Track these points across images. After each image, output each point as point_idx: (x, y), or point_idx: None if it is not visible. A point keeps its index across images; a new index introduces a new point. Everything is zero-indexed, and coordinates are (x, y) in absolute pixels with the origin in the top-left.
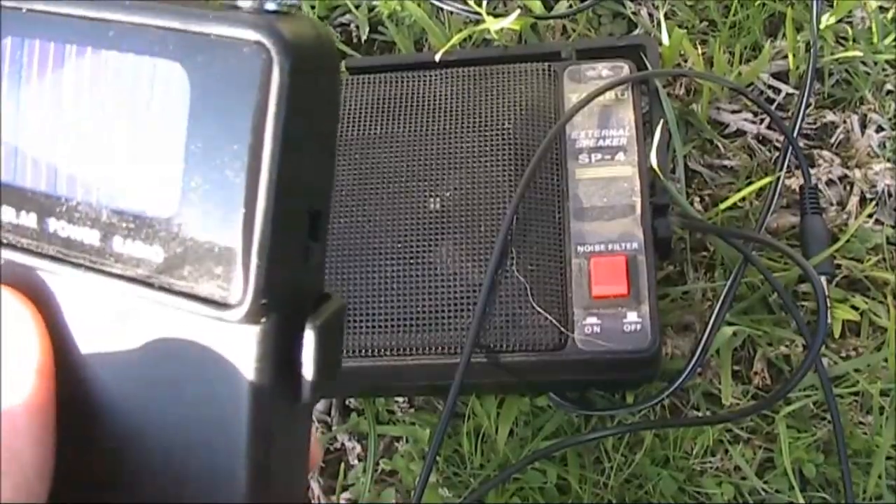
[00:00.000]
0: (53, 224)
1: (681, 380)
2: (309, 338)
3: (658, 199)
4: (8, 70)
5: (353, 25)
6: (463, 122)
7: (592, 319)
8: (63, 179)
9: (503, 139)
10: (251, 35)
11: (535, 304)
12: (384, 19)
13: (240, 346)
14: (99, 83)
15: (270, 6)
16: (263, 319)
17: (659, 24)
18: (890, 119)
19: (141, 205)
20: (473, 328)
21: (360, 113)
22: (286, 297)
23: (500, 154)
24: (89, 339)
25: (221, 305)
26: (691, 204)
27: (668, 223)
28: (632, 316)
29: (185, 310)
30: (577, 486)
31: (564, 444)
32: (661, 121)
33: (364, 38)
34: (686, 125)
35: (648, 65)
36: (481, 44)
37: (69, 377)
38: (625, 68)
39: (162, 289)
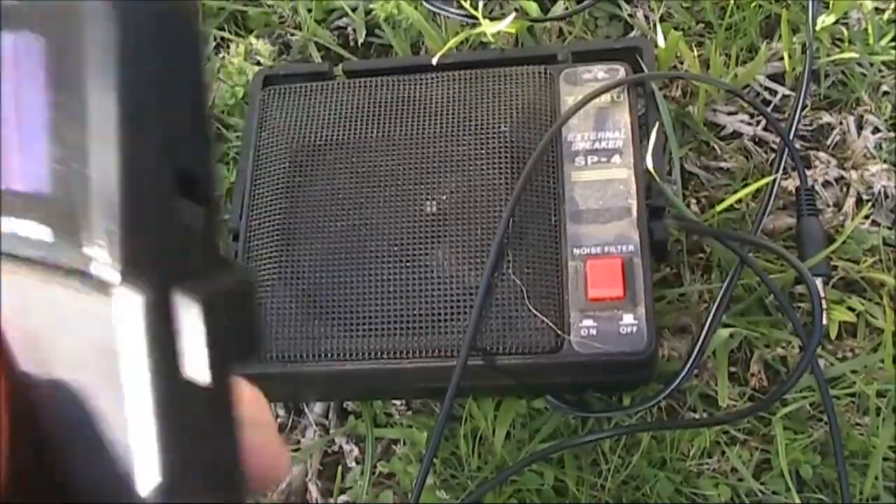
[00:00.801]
0: None
1: (677, 382)
2: (193, 310)
3: (654, 201)
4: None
5: (349, 28)
6: (459, 125)
7: (589, 322)
8: None
9: (499, 142)
10: None
11: (531, 307)
12: (381, 22)
13: (116, 319)
14: None
15: None
16: (130, 290)
17: (655, 26)
18: (886, 120)
19: (24, 184)
20: (470, 331)
21: (357, 116)
22: (153, 265)
23: (497, 157)
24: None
25: (99, 284)
26: (688, 206)
27: (664, 225)
28: (628, 318)
29: (74, 288)
30: (575, 488)
31: (561, 446)
32: (658, 123)
33: (361, 41)
34: (682, 127)
35: (644, 67)
36: (478, 47)
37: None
38: (621, 71)
39: (51, 269)
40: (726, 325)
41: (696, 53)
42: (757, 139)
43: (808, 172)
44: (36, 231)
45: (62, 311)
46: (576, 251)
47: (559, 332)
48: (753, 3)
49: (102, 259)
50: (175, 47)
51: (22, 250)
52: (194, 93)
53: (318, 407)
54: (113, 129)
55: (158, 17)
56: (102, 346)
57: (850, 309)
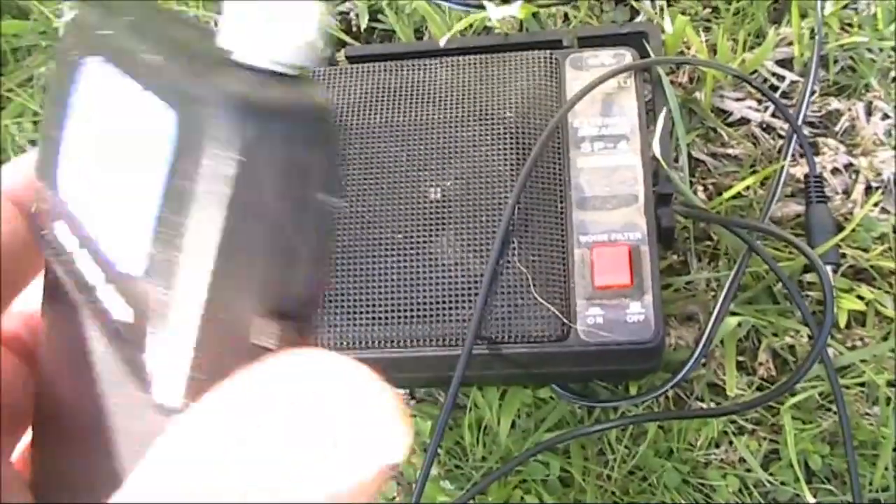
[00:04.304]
0: (77, 255)
1: (685, 371)
2: None
3: (661, 188)
4: (81, 88)
5: (352, 14)
6: (463, 111)
7: (595, 310)
8: (89, 212)
9: (504, 128)
10: (214, 97)
11: (536, 295)
12: (384, 7)
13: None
14: (128, 118)
15: (278, 68)
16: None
17: (662, 11)
18: None
19: (126, 258)
20: (475, 319)
21: (360, 102)
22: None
23: (502, 143)
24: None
25: (153, 387)
26: (695, 193)
27: (671, 212)
28: (635, 307)
29: (131, 377)
30: (581, 479)
31: (567, 436)
32: (664, 109)
33: (363, 26)
34: (689, 113)
35: (651, 52)
36: (482, 32)
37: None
38: (627, 56)
39: (127, 352)
40: (734, 314)
41: (703, 38)
42: (765, 125)
43: (817, 159)
44: (122, 308)
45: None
46: (582, 238)
47: (565, 320)
48: None
49: (161, 380)
50: (301, 188)
51: (114, 324)
52: (306, 243)
53: None
54: (206, 266)
55: (289, 143)
56: (138, 440)
57: (860, 298)
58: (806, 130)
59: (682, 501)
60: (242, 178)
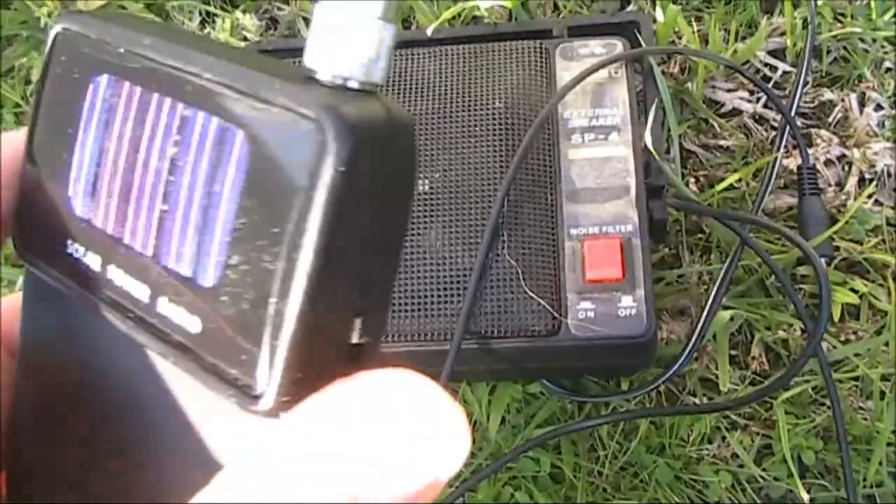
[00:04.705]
0: (112, 271)
1: (677, 365)
2: None
3: (653, 180)
4: (100, 107)
5: None
6: (452, 102)
7: (586, 304)
8: (127, 227)
9: (494, 119)
10: (310, 112)
11: (527, 289)
12: None
13: (253, 444)
14: (170, 136)
15: (353, 84)
16: (283, 414)
17: (653, 0)
18: (889, 97)
19: (188, 270)
20: (464, 314)
21: None
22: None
23: (491, 134)
24: (129, 385)
25: (243, 393)
26: (687, 185)
27: (663, 205)
28: (626, 300)
29: (209, 386)
30: (572, 475)
31: (558, 431)
32: (656, 100)
33: None
34: (681, 104)
35: (642, 42)
36: (470, 21)
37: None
38: (618, 46)
39: (193, 360)
40: (727, 308)
41: (695, 28)
42: (757, 116)
43: (810, 151)
44: (184, 318)
45: (183, 393)
46: (573, 231)
47: (556, 314)
48: None
49: (258, 379)
50: (387, 188)
51: (170, 333)
52: (394, 232)
53: None
54: (307, 270)
55: (374, 154)
56: (214, 447)
57: (853, 291)
58: (799, 121)
59: (675, 498)
60: (343, 187)
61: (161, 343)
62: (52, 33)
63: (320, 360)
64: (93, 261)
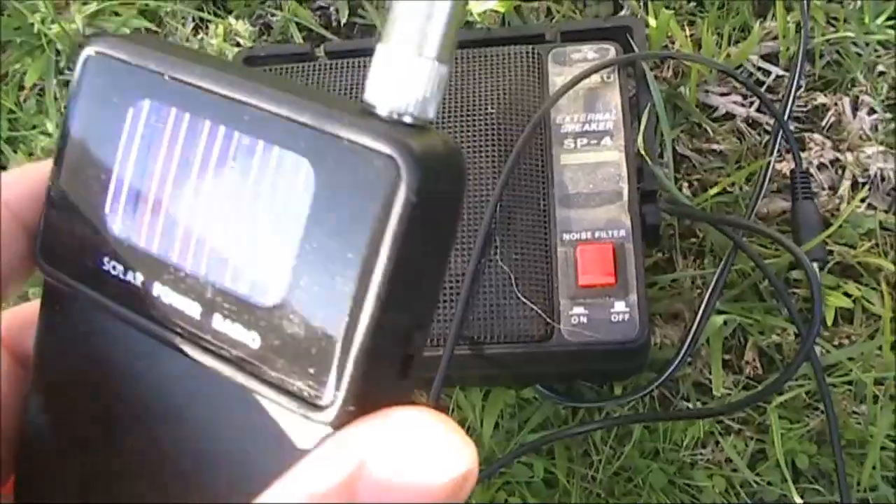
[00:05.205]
0: (158, 288)
1: (670, 370)
2: None
3: (646, 184)
4: (142, 131)
5: (332, 8)
6: (445, 107)
7: (579, 309)
8: (176, 247)
9: (486, 124)
10: (383, 147)
11: (519, 295)
12: (364, 2)
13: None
14: (226, 162)
15: (407, 119)
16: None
17: (646, 4)
18: (882, 101)
19: (246, 289)
20: (457, 319)
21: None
22: (376, 407)
23: (483, 140)
24: (165, 396)
25: (308, 404)
26: (680, 189)
27: (656, 210)
28: (619, 305)
29: (270, 398)
30: (565, 480)
31: (552, 437)
32: (649, 104)
33: (343, 21)
34: (674, 108)
35: (635, 47)
36: (463, 26)
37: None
38: (611, 50)
39: (252, 374)
40: (720, 312)
41: (687, 33)
42: (750, 121)
43: (803, 155)
44: (242, 334)
45: (234, 409)
46: (565, 236)
47: (549, 320)
48: None
49: (326, 391)
50: (443, 217)
51: (225, 349)
52: (444, 257)
53: None
54: (378, 291)
55: (437, 186)
56: (270, 451)
57: (847, 295)
58: (792, 125)
59: (668, 502)
60: (413, 215)
61: (215, 358)
62: (83, 55)
63: (381, 371)
64: (133, 278)
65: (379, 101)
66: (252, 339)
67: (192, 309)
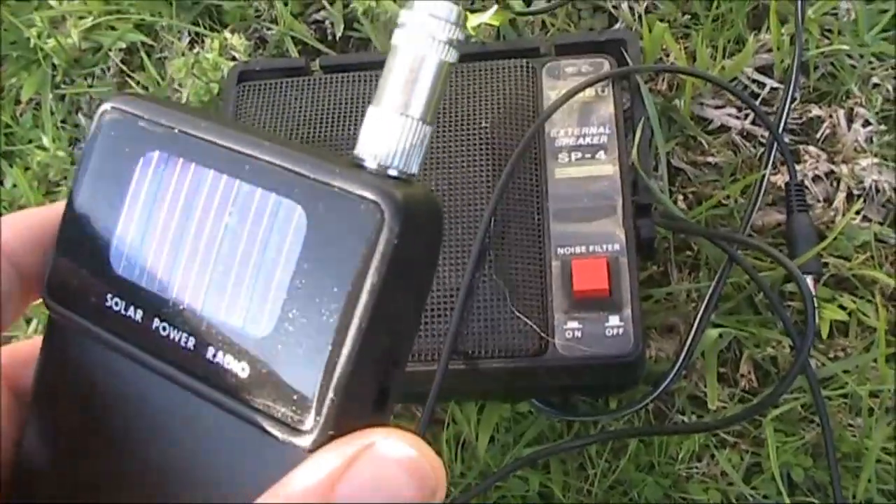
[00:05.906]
0: (157, 323)
1: (665, 383)
2: None
3: (640, 198)
4: (151, 179)
5: (327, 22)
6: (439, 121)
7: (573, 324)
8: (176, 283)
9: (480, 138)
10: (370, 195)
11: (514, 309)
12: (359, 16)
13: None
14: (226, 207)
15: (392, 172)
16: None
17: (640, 18)
18: (877, 113)
19: (240, 322)
20: (451, 334)
21: (335, 112)
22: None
23: (478, 153)
24: (159, 428)
25: (291, 429)
26: (675, 202)
27: (651, 223)
28: (614, 319)
29: (255, 424)
30: (561, 494)
31: (547, 451)
32: (643, 117)
33: (339, 35)
34: (668, 121)
35: (629, 60)
36: None
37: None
38: (605, 64)
39: (240, 401)
40: (715, 325)
41: (682, 46)
42: (745, 133)
43: (798, 167)
44: (232, 363)
45: (220, 435)
46: (560, 250)
47: (543, 334)
48: None
49: (308, 416)
50: (423, 258)
51: (215, 377)
52: (423, 294)
53: None
54: (358, 317)
55: (417, 230)
56: (251, 473)
57: (842, 307)
58: (787, 138)
59: None
60: (395, 255)
61: (206, 385)
62: (100, 109)
63: (360, 400)
64: (134, 313)
65: (367, 155)
66: (241, 368)
67: (187, 340)
